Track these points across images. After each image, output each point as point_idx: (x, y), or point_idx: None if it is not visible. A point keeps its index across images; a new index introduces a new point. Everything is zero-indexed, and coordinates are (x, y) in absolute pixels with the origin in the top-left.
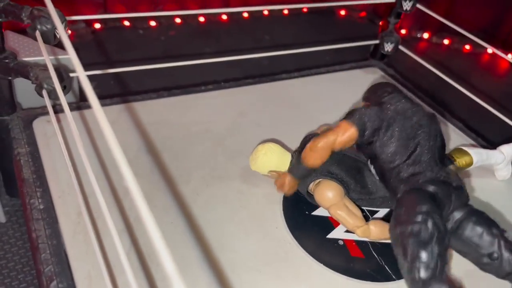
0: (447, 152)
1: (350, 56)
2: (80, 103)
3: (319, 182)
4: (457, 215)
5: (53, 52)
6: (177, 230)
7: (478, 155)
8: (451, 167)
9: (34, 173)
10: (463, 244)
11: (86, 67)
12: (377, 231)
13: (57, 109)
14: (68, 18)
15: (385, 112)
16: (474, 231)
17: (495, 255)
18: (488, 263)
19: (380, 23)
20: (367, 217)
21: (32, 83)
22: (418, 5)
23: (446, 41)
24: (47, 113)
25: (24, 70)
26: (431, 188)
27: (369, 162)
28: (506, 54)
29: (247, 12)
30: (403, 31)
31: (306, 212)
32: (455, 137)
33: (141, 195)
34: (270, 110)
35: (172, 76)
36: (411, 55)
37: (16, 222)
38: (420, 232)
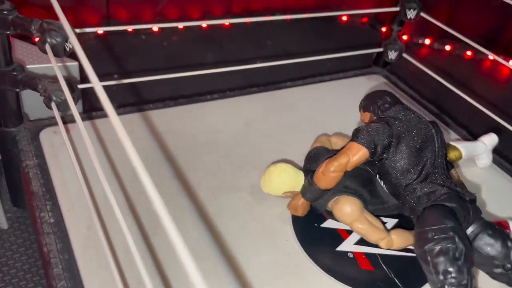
0: None
1: (352, 63)
2: (82, 115)
3: (337, 199)
4: (473, 228)
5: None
6: (187, 242)
7: (465, 148)
8: (453, 171)
9: (43, 186)
10: (479, 255)
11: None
12: (399, 241)
13: (63, 121)
14: (79, 31)
15: (393, 128)
16: (490, 244)
17: (509, 265)
18: (501, 273)
19: (382, 29)
20: None
21: (41, 95)
22: (422, 14)
23: (447, 48)
24: (53, 124)
25: (32, 83)
26: (450, 204)
27: (377, 177)
28: (508, 61)
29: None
30: (404, 37)
31: (315, 224)
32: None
33: (163, 206)
34: (276, 119)
35: (175, 83)
36: (414, 62)
37: (18, 228)
38: (449, 249)
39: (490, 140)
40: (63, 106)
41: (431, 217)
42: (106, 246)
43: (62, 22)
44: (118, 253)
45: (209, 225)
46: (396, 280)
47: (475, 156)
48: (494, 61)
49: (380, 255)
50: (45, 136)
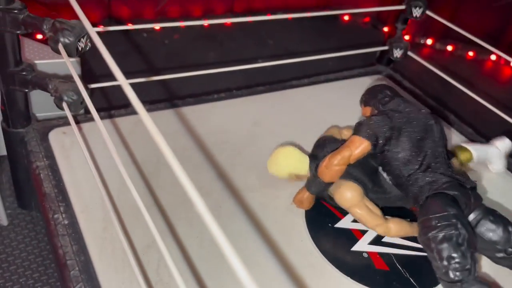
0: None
1: (354, 62)
2: (87, 115)
3: (339, 183)
4: (475, 214)
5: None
6: (203, 244)
7: (477, 151)
8: (454, 160)
9: (55, 187)
10: (481, 241)
11: (91, 74)
12: (396, 229)
13: (67, 122)
14: (98, 29)
15: (393, 120)
16: (492, 229)
17: (511, 249)
18: (503, 257)
19: (384, 28)
20: None
21: (51, 95)
22: (428, 12)
23: (449, 48)
24: (61, 124)
25: (42, 83)
26: (452, 192)
27: (380, 169)
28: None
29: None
30: (406, 37)
31: (329, 225)
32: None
33: (203, 204)
34: (283, 118)
35: (177, 82)
36: (419, 60)
37: (18, 225)
38: (453, 236)
39: (503, 144)
40: (74, 106)
41: (434, 205)
42: (126, 246)
43: (82, 21)
44: (136, 253)
45: (223, 226)
46: (412, 280)
47: (487, 160)
48: (496, 61)
49: (395, 255)
50: (54, 136)
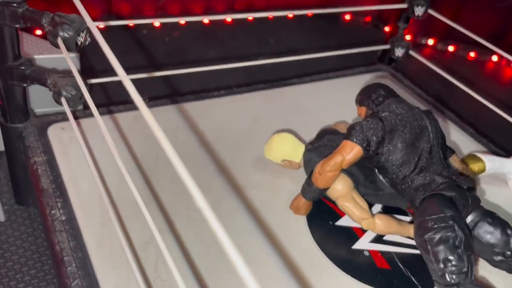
0: (460, 157)
1: (355, 61)
2: (86, 111)
3: None
4: (472, 216)
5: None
6: (203, 240)
7: (492, 162)
8: (452, 159)
9: (52, 183)
10: (479, 243)
11: (90, 70)
12: (382, 225)
13: (66, 117)
14: (97, 24)
15: (385, 122)
16: (490, 232)
17: (509, 252)
18: (501, 261)
19: (385, 28)
20: None
21: (50, 90)
22: (430, 11)
23: (451, 48)
24: (60, 120)
25: (41, 77)
26: (449, 193)
27: (376, 171)
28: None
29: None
30: (408, 37)
31: (330, 222)
32: (467, 143)
33: (205, 201)
34: (283, 116)
35: (176, 79)
36: (421, 60)
37: (15, 221)
38: (449, 238)
39: None
40: (73, 102)
41: (431, 207)
42: (124, 242)
43: (82, 15)
44: (134, 250)
45: (223, 223)
46: (413, 279)
47: (503, 174)
48: (497, 62)
49: (396, 253)
50: (52, 132)
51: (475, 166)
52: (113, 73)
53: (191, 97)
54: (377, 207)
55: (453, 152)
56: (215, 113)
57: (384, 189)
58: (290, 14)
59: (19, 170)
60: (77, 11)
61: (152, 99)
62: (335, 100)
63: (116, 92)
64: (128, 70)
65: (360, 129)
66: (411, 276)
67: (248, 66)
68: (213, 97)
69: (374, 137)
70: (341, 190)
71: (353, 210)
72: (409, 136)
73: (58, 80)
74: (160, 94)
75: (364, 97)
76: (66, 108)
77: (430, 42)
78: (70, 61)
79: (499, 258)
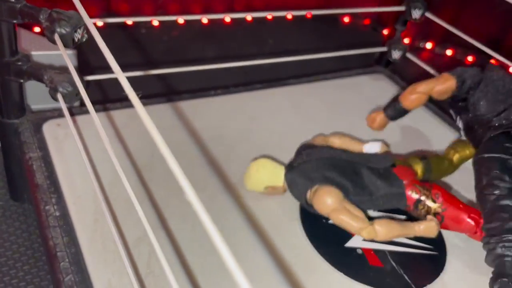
0: (446, 146)
1: (353, 63)
2: (82, 108)
3: (316, 189)
4: None
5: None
6: (195, 237)
7: None
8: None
9: (47, 179)
10: None
11: (88, 66)
12: (383, 231)
13: (62, 113)
14: (95, 21)
15: (484, 73)
16: None
17: None
18: None
19: (383, 31)
20: None
21: (46, 86)
22: (427, 14)
23: (449, 52)
24: (56, 116)
25: (37, 73)
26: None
27: (458, 118)
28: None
29: (250, 15)
30: (406, 40)
31: (324, 220)
32: None
33: (197, 197)
34: (280, 116)
35: (175, 78)
36: (418, 63)
37: (10, 217)
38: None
39: None
40: (69, 98)
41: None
42: (117, 238)
43: (79, 11)
44: (127, 246)
45: (217, 221)
46: (405, 277)
47: None
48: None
49: (389, 251)
50: (48, 128)
51: (465, 151)
52: (110, 70)
53: (187, 95)
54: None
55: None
56: (212, 111)
57: (377, 191)
58: (289, 15)
59: (15, 166)
60: (75, 8)
61: (149, 97)
62: (332, 101)
63: (113, 89)
64: (125, 68)
65: (461, 69)
66: (404, 274)
67: (246, 67)
68: (210, 96)
69: (470, 79)
70: (332, 204)
71: (350, 222)
72: (499, 92)
73: (54, 76)
74: (157, 92)
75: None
76: (62, 104)
77: (429, 45)
78: (66, 57)
79: None
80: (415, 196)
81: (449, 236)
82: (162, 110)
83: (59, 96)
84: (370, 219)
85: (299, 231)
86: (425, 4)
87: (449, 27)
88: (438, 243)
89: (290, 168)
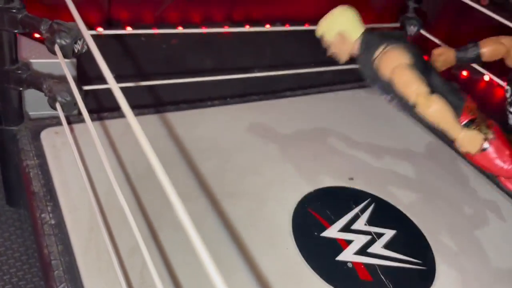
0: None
1: (349, 75)
2: (81, 117)
3: (388, 49)
4: None
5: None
6: (187, 248)
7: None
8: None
9: (44, 187)
10: None
11: (87, 76)
12: (437, 107)
13: (60, 121)
14: (93, 32)
15: None
16: None
17: None
18: None
19: None
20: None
21: (45, 95)
22: (422, 31)
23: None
24: (54, 124)
25: (37, 82)
26: None
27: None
28: (504, 81)
29: (249, 25)
30: None
31: (315, 233)
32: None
33: (183, 207)
34: (275, 127)
35: (172, 87)
36: None
37: (5, 222)
38: None
39: None
40: (67, 107)
41: None
42: (110, 248)
43: (78, 23)
44: (121, 255)
45: (209, 232)
46: None
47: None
48: (489, 82)
49: (379, 265)
50: (46, 136)
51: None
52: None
53: (184, 105)
54: None
55: None
56: (208, 122)
57: (436, 88)
58: (286, 28)
59: (12, 172)
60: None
61: (146, 107)
62: (327, 113)
63: (111, 98)
64: (124, 77)
65: None
66: None
67: (243, 78)
68: (206, 107)
69: None
70: (401, 59)
71: (412, 81)
72: None
73: (53, 86)
74: (154, 102)
75: None
76: (60, 113)
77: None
78: (65, 68)
79: None
80: (471, 114)
81: (438, 252)
82: (158, 120)
83: (58, 105)
84: None
85: (290, 243)
86: (420, 21)
87: (442, 44)
88: (427, 259)
89: (371, 31)
